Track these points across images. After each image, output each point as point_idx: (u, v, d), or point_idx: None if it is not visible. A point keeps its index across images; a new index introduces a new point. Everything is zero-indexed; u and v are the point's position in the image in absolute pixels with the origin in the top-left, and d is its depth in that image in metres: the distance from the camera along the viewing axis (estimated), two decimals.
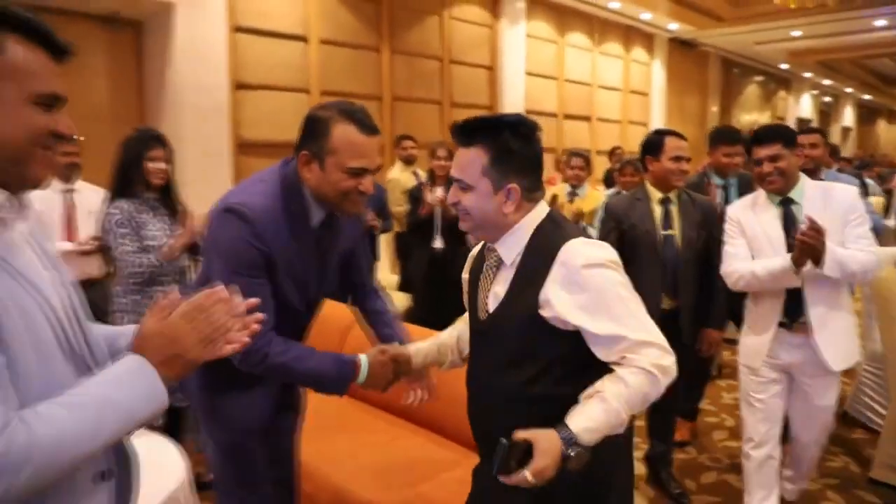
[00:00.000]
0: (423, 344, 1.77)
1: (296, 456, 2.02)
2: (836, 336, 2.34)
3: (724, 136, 3.73)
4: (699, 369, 3.49)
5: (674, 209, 2.78)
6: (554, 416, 1.26)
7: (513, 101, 8.19)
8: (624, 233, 2.74)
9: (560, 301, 1.33)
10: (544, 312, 1.35)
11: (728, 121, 13.23)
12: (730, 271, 2.43)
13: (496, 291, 1.46)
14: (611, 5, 9.18)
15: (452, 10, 7.46)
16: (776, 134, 2.38)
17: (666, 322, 2.70)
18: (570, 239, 1.38)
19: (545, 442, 1.20)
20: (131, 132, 2.72)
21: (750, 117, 14.06)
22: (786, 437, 2.59)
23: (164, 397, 0.97)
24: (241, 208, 1.58)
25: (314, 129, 1.58)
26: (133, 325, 1.15)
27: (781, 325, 2.38)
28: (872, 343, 3.56)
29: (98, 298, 2.75)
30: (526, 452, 1.21)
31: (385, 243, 5.64)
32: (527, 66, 8.38)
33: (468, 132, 1.42)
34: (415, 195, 4.50)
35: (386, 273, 6.05)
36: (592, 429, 1.23)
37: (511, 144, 1.40)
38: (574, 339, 1.35)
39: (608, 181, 6.73)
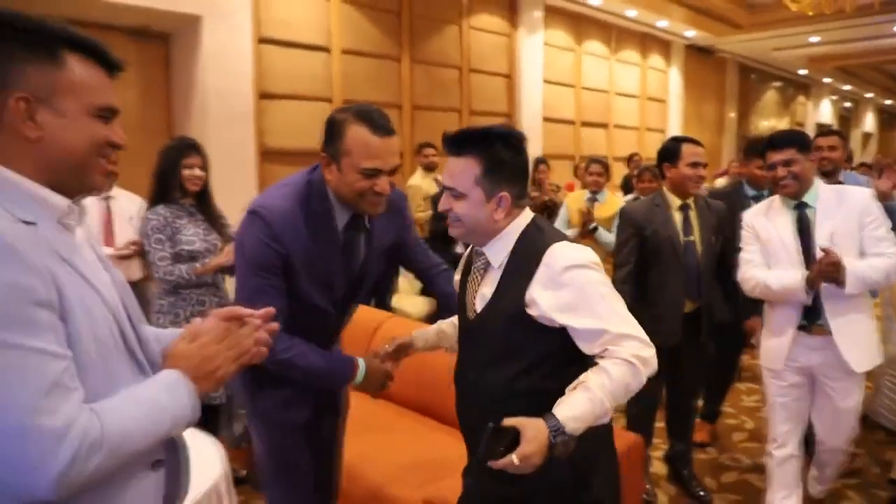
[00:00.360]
0: (424, 330, 1.85)
1: (339, 457, 2.07)
2: (857, 338, 2.35)
3: (758, 150, 3.75)
4: (721, 372, 3.54)
5: (693, 215, 2.84)
6: (539, 412, 1.30)
7: (531, 109, 8.27)
8: (645, 239, 2.79)
9: (545, 300, 1.40)
10: (531, 311, 1.42)
11: (746, 127, 13.21)
12: (746, 278, 2.47)
13: (483, 293, 1.53)
14: (627, 13, 9.24)
15: (471, 19, 7.57)
16: (790, 139, 2.44)
17: (688, 323, 2.80)
18: (553, 243, 1.45)
19: (532, 430, 1.25)
20: (169, 141, 2.84)
21: (768, 123, 14.01)
22: (808, 445, 2.63)
23: (199, 410, 1.06)
24: (262, 210, 1.66)
25: (332, 132, 1.64)
26: (172, 330, 1.24)
27: (800, 327, 2.41)
28: (893, 346, 3.58)
29: (137, 301, 2.86)
30: (514, 439, 1.25)
31: None
32: (544, 74, 8.46)
33: (460, 143, 1.49)
34: (436, 201, 4.58)
35: (408, 278, 6.14)
36: (577, 417, 1.28)
37: (502, 155, 1.47)
38: (559, 336, 1.42)
39: (626, 187, 6.78)
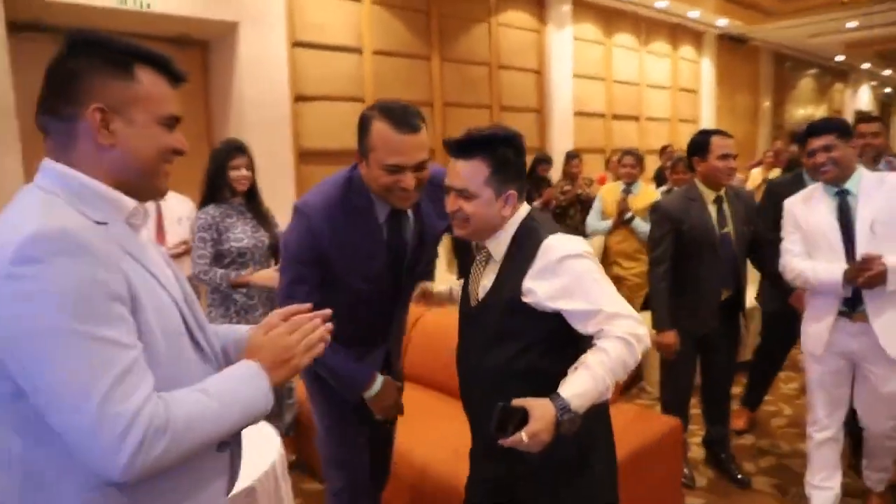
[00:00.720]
0: (440, 290, 2.02)
1: (392, 439, 2.16)
2: None
3: None
4: (771, 361, 3.52)
5: (726, 208, 2.86)
6: (538, 391, 1.38)
7: (561, 104, 8.29)
8: (681, 233, 2.81)
9: (541, 289, 1.50)
10: (526, 299, 1.52)
11: (781, 116, 12.99)
12: (790, 268, 2.49)
13: (485, 283, 1.63)
14: (657, 4, 9.18)
15: (500, 17, 7.62)
16: (830, 125, 2.46)
17: (724, 311, 2.84)
18: (549, 235, 1.55)
19: (540, 409, 1.33)
20: (218, 144, 2.98)
21: (805, 112, 13.75)
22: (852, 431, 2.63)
23: (272, 399, 1.11)
24: (303, 207, 1.77)
25: (361, 128, 1.70)
26: (228, 326, 1.33)
27: (842, 313, 2.42)
28: None
29: None
30: (522, 418, 1.33)
31: (443, 241, 5.82)
32: (574, 69, 8.47)
33: (468, 147, 1.57)
34: None
35: (443, 270, 6.24)
36: (581, 394, 1.37)
37: (508, 155, 1.57)
38: (554, 321, 1.52)
39: (659, 179, 6.77)
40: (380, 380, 1.87)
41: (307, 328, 1.17)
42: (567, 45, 8.34)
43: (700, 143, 2.85)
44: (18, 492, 0.95)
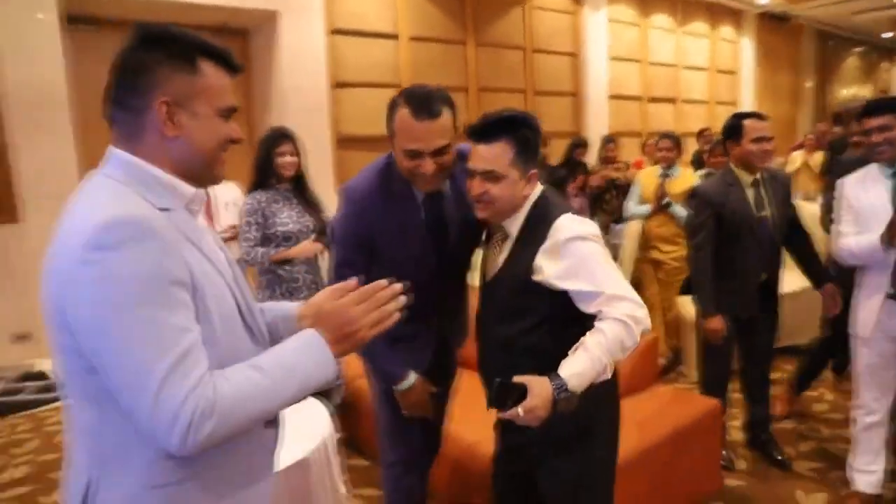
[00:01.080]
0: None
1: (444, 419, 2.21)
2: None
3: None
4: (830, 349, 3.49)
5: (764, 191, 2.85)
6: (543, 367, 1.45)
7: (597, 87, 8.23)
8: (721, 218, 2.81)
9: (549, 268, 1.57)
10: (536, 277, 1.59)
11: (825, 97, 12.66)
12: (841, 252, 2.48)
13: (499, 260, 1.71)
14: None
15: (534, 0, 7.58)
16: (887, 105, 2.44)
17: (763, 292, 2.85)
18: (561, 215, 1.61)
19: (538, 387, 1.41)
20: (265, 132, 3.08)
21: (849, 92, 13.37)
22: None
23: (335, 368, 1.09)
24: (346, 191, 1.85)
25: (388, 114, 1.74)
26: (273, 302, 1.36)
27: (890, 296, 2.40)
28: None
29: None
30: (522, 394, 1.40)
31: None
32: (610, 51, 8.39)
33: (492, 130, 1.62)
34: None
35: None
36: (578, 374, 1.43)
37: (529, 136, 1.63)
38: (562, 299, 1.58)
39: (697, 163, 6.70)
40: (411, 378, 1.91)
41: (379, 298, 1.15)
42: (602, 27, 8.26)
43: (734, 127, 2.83)
44: (93, 460, 1.03)
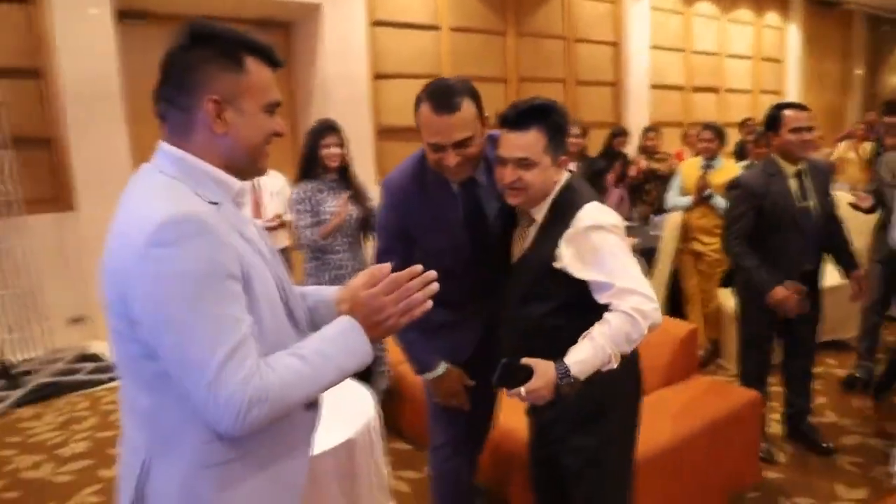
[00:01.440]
0: None
1: (493, 405, 2.23)
2: None
3: None
4: None
5: (806, 182, 2.83)
6: (563, 347, 1.54)
7: (638, 76, 8.14)
8: (763, 208, 2.79)
9: (567, 255, 1.62)
10: (557, 263, 1.63)
11: (875, 85, 12.26)
12: None
13: (525, 244, 1.76)
14: None
15: None
16: None
17: (805, 282, 2.83)
18: (585, 203, 1.65)
19: (542, 370, 1.49)
20: (313, 124, 3.17)
21: None
22: None
23: (370, 352, 1.14)
24: (385, 182, 1.93)
25: (414, 108, 1.77)
26: (315, 287, 1.40)
27: None
28: None
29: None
30: (527, 375, 1.49)
31: None
32: (652, 40, 8.28)
33: (525, 118, 1.66)
34: None
35: None
36: (581, 361, 1.51)
37: (559, 122, 1.67)
38: (582, 285, 1.63)
39: (740, 153, 6.58)
40: (442, 367, 1.98)
41: (409, 287, 1.18)
42: (644, 15, 8.16)
43: (773, 117, 2.82)
44: (149, 440, 1.10)
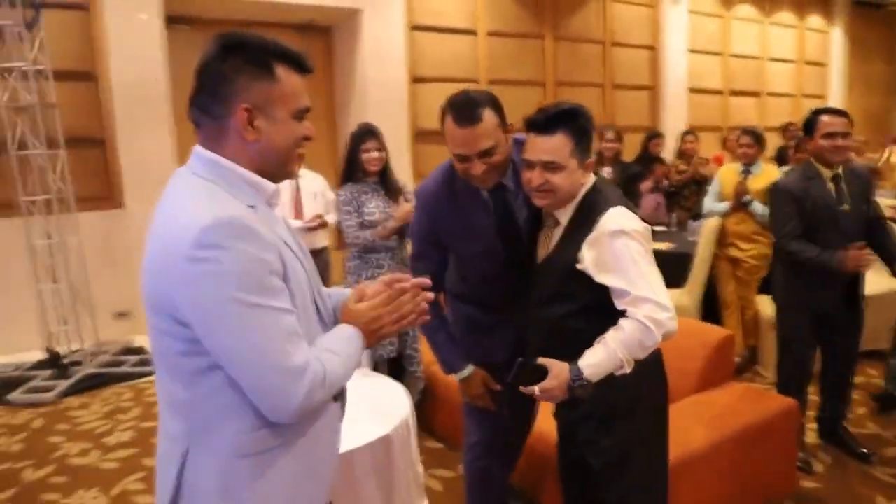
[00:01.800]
0: None
1: (531, 411, 2.28)
2: None
3: None
4: None
5: (844, 186, 2.82)
6: (584, 348, 1.60)
7: (675, 80, 8.08)
8: (803, 210, 2.80)
9: (588, 258, 1.65)
10: (579, 266, 1.66)
11: None
12: None
13: (550, 245, 1.79)
14: None
15: None
16: None
17: (847, 290, 2.81)
18: (610, 206, 1.67)
19: (557, 370, 1.57)
20: (354, 128, 3.26)
21: None
22: None
23: (360, 359, 1.26)
24: (418, 190, 2.00)
25: (440, 120, 1.84)
26: (337, 289, 1.46)
27: None
28: None
29: (320, 266, 3.32)
30: (542, 375, 1.57)
31: None
32: (690, 44, 8.20)
33: (551, 122, 1.69)
34: None
35: None
36: (594, 364, 1.58)
37: (585, 126, 1.70)
38: (604, 288, 1.65)
39: (781, 159, 6.48)
40: (469, 369, 2.04)
41: (403, 301, 1.27)
42: (682, 19, 8.10)
43: (808, 123, 2.85)
44: (188, 431, 1.15)
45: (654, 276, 1.64)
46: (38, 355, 4.46)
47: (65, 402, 3.96)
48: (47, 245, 4.48)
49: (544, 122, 1.70)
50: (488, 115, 1.73)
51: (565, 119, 1.69)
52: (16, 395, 3.97)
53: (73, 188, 4.53)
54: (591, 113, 1.75)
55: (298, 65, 1.19)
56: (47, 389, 4.04)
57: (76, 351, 4.54)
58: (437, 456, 3.13)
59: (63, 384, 4.11)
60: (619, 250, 1.62)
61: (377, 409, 2.31)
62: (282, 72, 1.15)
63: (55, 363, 4.33)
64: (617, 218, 1.65)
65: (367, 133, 3.18)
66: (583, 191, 1.74)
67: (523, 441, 2.29)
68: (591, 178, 1.76)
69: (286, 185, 3.63)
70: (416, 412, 3.34)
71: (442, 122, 1.80)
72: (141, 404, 3.92)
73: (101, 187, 4.91)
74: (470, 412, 2.20)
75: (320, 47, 6.18)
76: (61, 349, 4.45)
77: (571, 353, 1.59)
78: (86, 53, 4.77)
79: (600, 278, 1.64)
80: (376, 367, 3.13)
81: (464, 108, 1.73)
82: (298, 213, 3.64)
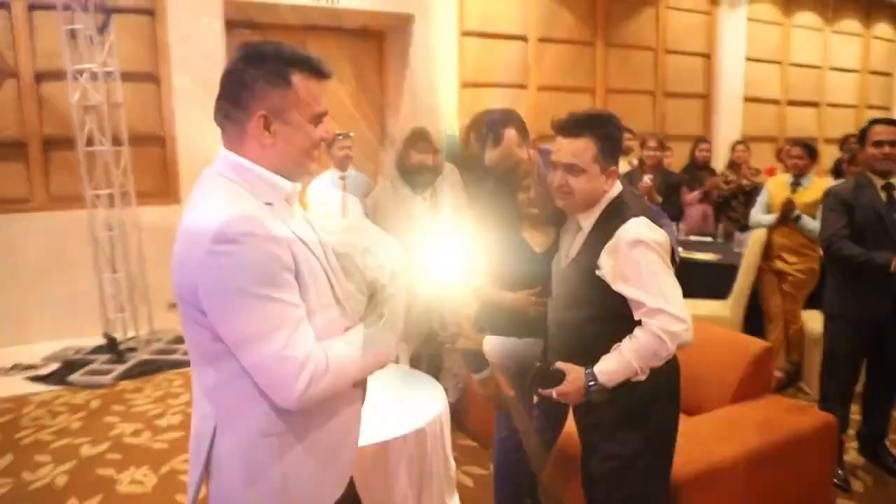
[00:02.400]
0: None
1: (563, 410, 2.26)
2: None
3: None
4: None
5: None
6: (602, 353, 1.68)
7: (731, 89, 7.93)
8: (852, 217, 2.83)
9: (607, 266, 1.68)
10: (598, 273, 1.70)
11: None
12: None
13: (571, 251, 1.82)
14: None
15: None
16: None
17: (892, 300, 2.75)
18: (632, 216, 1.69)
19: (574, 375, 1.67)
20: (407, 132, 3.35)
21: None
22: None
23: (393, 353, 1.34)
24: None
25: None
26: None
27: None
28: None
29: None
30: (560, 379, 1.67)
31: None
32: (747, 52, 8.04)
33: (577, 126, 1.73)
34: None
35: None
36: (608, 371, 1.66)
37: (613, 135, 1.74)
38: (622, 296, 1.68)
39: (837, 172, 6.29)
40: (487, 371, 2.14)
41: None
42: (740, 26, 7.94)
43: (863, 131, 2.94)
44: (216, 410, 1.22)
45: (671, 287, 1.66)
46: (98, 340, 4.69)
47: (120, 385, 4.17)
48: (109, 236, 4.72)
49: (570, 125, 1.75)
50: (509, 134, 1.90)
51: (592, 124, 1.73)
52: (76, 377, 4.21)
53: (134, 183, 4.76)
54: (620, 122, 1.79)
55: (316, 71, 1.25)
56: (105, 373, 4.26)
57: (132, 338, 4.78)
58: (469, 453, 3.18)
59: (119, 368, 4.33)
60: (637, 261, 1.65)
61: (414, 402, 2.39)
62: (298, 79, 1.21)
63: (113, 348, 4.56)
64: (637, 228, 1.67)
65: (417, 136, 3.25)
66: (607, 198, 1.77)
67: (553, 439, 2.33)
68: (616, 186, 1.78)
69: (333, 185, 3.76)
70: (450, 409, 3.43)
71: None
72: (190, 390, 4.05)
73: (160, 183, 5.15)
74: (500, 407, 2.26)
75: (373, 52, 6.33)
76: (118, 335, 4.69)
77: (591, 357, 1.65)
78: (151, 56, 5.01)
79: (617, 287, 1.67)
80: (416, 363, 3.20)
81: (489, 130, 1.91)
82: (344, 210, 3.74)
